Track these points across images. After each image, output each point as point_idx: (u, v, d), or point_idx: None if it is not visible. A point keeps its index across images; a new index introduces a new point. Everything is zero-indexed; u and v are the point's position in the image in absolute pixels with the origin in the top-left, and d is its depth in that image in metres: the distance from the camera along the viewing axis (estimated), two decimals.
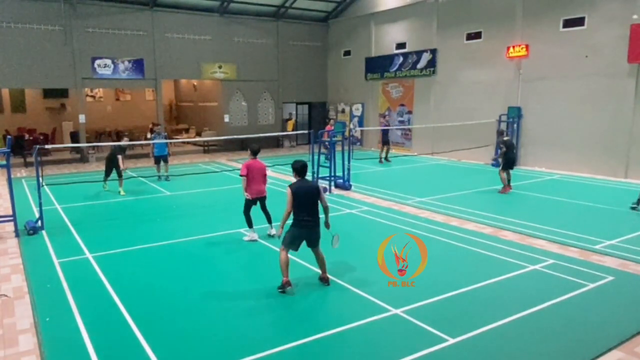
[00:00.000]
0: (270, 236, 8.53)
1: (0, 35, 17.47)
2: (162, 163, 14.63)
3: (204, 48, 21.68)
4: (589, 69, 14.84)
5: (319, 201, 6.29)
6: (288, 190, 6.18)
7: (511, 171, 12.48)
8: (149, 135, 15.96)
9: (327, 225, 6.42)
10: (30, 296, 6.20)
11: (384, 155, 18.42)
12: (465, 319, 5.44)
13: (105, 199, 12.14)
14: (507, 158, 12.21)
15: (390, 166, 17.68)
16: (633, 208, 10.33)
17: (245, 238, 8.49)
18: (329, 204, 6.49)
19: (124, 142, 13.52)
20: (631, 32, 13.60)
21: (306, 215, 6.20)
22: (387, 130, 19.18)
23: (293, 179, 6.43)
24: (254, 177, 8.32)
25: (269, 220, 8.60)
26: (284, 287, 6.14)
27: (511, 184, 12.48)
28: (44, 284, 6.59)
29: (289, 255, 6.29)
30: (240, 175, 8.35)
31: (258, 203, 8.51)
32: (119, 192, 12.64)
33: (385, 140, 18.68)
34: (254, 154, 8.43)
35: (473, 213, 10.27)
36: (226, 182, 14.23)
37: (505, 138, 12.65)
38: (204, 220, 9.95)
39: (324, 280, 6.47)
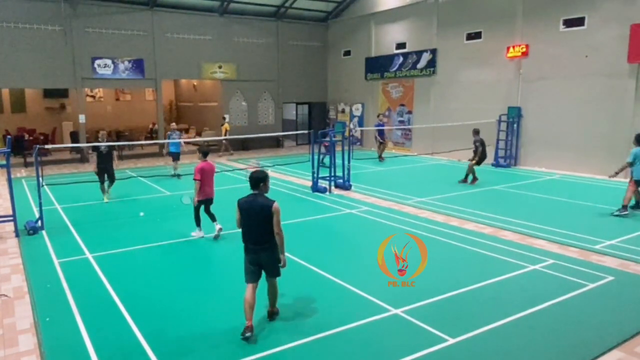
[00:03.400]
0: (215, 236, 8.60)
1: (0, 35, 17.47)
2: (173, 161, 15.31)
3: (204, 48, 21.68)
4: (589, 69, 14.84)
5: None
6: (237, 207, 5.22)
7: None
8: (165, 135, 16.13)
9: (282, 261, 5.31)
10: (30, 296, 6.20)
11: (380, 153, 18.84)
12: (465, 319, 5.45)
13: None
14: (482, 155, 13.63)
15: (390, 166, 17.67)
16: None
17: (194, 234, 8.71)
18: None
19: (101, 138, 12.47)
20: (631, 32, 13.60)
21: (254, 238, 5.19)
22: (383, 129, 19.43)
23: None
24: (207, 179, 8.48)
25: (214, 219, 8.66)
26: (244, 333, 5.02)
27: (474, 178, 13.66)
28: (44, 284, 6.59)
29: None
30: (195, 180, 8.35)
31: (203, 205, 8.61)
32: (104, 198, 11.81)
33: (383, 139, 19.13)
34: (205, 155, 8.57)
35: (473, 213, 10.27)
36: (226, 182, 14.22)
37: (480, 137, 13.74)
38: (204, 220, 9.92)
39: (271, 314, 5.47)
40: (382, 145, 18.98)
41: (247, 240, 5.26)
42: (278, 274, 5.37)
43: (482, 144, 13.56)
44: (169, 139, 15.23)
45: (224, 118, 21.23)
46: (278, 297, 5.53)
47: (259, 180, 5.22)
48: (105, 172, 11.71)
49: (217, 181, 14.62)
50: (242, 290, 6.34)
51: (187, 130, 25.22)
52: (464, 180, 13.69)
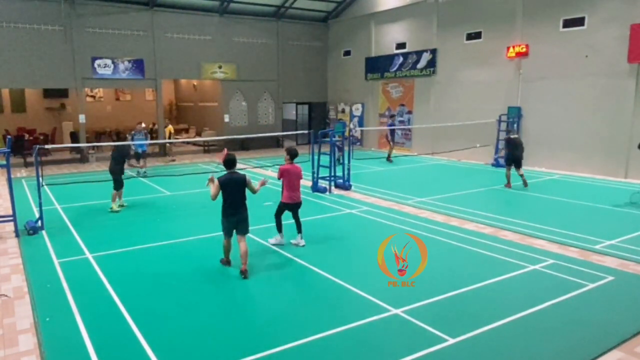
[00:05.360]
0: (294, 245, 8.08)
1: (0, 35, 17.47)
2: (140, 159, 15.45)
3: (204, 48, 21.68)
4: (589, 69, 14.83)
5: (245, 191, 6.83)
6: (215, 182, 6.71)
7: (516, 169, 12.91)
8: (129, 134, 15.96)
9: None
10: (30, 296, 6.20)
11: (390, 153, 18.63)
12: (465, 319, 5.44)
13: (106, 199, 12.10)
14: (508, 156, 12.96)
15: (390, 166, 17.67)
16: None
17: (271, 241, 8.17)
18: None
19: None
20: (631, 32, 13.61)
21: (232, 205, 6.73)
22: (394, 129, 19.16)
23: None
24: (290, 182, 7.98)
25: (299, 229, 8.18)
26: (224, 264, 7.11)
27: (510, 183, 13.01)
28: (44, 284, 6.59)
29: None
30: (278, 178, 8.13)
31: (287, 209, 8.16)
32: (112, 208, 10.74)
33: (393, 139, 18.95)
34: (293, 157, 8.04)
35: (473, 213, 10.27)
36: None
37: (512, 136, 13.10)
38: (204, 220, 9.92)
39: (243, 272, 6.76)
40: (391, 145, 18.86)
41: (227, 207, 6.75)
42: (248, 232, 6.95)
43: (509, 143, 12.92)
44: (133, 139, 15.10)
45: (168, 120, 20.29)
46: (248, 258, 6.82)
47: (234, 161, 6.88)
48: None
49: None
50: (241, 289, 6.39)
51: (187, 130, 25.24)
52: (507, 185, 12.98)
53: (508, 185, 12.89)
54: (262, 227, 8.86)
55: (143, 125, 16.37)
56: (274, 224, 8.23)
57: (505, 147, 12.95)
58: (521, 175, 12.87)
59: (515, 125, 16.69)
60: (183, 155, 21.18)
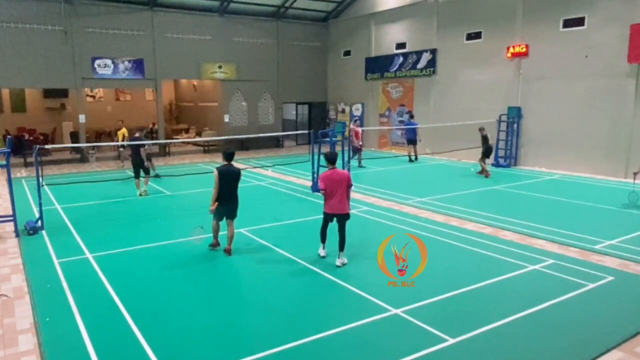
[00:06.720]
0: (337, 266, 7.13)
1: (0, 35, 17.48)
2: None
3: (204, 48, 21.69)
4: (589, 69, 14.84)
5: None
6: (215, 172, 7.43)
7: (487, 160, 15.22)
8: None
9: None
10: (30, 296, 6.20)
11: (412, 154, 18.41)
12: (465, 319, 5.44)
13: (106, 199, 12.12)
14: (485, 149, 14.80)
15: (391, 166, 17.65)
16: None
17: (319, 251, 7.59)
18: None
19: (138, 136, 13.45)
20: (631, 32, 13.60)
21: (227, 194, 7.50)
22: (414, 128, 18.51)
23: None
24: (333, 190, 7.07)
25: (342, 246, 7.20)
26: (213, 246, 7.77)
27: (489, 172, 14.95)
28: (44, 284, 6.59)
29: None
30: (320, 190, 7.27)
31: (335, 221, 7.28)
32: (142, 192, 12.48)
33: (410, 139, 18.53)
34: (331, 162, 7.25)
35: (473, 213, 10.27)
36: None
37: (485, 133, 14.79)
38: (204, 221, 9.91)
39: (227, 251, 7.65)
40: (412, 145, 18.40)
41: (223, 194, 7.46)
42: (236, 216, 7.75)
43: (483, 139, 14.72)
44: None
45: (121, 122, 17.66)
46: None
47: (233, 154, 7.66)
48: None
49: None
50: (241, 289, 6.39)
51: (187, 130, 25.24)
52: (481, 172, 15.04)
53: (487, 173, 14.79)
54: (263, 226, 8.85)
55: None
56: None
57: (482, 142, 14.74)
58: (484, 165, 14.93)
59: (515, 126, 16.72)
60: (183, 156, 21.19)
